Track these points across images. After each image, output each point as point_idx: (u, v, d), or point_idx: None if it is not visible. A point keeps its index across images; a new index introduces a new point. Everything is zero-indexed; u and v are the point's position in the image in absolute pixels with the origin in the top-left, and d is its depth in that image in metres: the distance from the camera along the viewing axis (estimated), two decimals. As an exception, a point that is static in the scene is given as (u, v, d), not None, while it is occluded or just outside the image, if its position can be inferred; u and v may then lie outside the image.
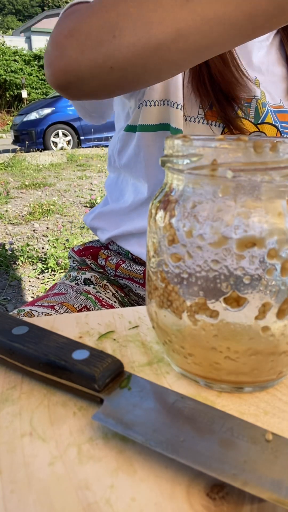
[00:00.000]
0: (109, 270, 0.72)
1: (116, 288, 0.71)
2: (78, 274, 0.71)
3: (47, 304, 0.58)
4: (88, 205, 3.90)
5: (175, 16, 0.37)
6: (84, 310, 0.60)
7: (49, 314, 0.55)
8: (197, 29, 0.37)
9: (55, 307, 0.58)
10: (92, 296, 0.64)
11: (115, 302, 0.68)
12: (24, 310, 0.56)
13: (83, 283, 0.69)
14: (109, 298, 0.67)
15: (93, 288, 0.67)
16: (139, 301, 0.71)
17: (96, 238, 0.79)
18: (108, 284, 0.70)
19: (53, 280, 2.31)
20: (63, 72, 0.42)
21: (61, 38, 0.42)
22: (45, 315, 0.55)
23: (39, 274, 2.38)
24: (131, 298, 0.72)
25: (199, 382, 0.30)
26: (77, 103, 0.69)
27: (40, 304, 0.58)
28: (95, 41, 0.40)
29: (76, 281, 0.70)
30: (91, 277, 0.70)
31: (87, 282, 0.69)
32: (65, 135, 8.41)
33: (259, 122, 0.61)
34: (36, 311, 0.55)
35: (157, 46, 0.39)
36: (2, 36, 20.68)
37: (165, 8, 0.37)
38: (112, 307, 0.65)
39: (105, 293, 0.68)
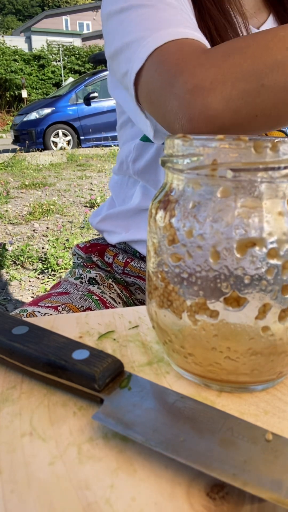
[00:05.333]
0: (116, 268, 0.72)
1: (121, 287, 0.71)
2: (84, 272, 0.71)
3: (50, 305, 0.58)
4: (88, 205, 3.90)
5: None
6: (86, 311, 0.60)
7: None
8: None
9: (58, 308, 0.57)
10: (96, 297, 0.64)
11: (119, 303, 0.68)
12: (27, 311, 0.55)
13: (87, 282, 0.69)
14: (114, 299, 0.67)
15: (98, 288, 0.67)
16: None
17: (100, 236, 0.79)
18: (113, 283, 0.70)
19: (53, 280, 2.31)
20: (206, 124, 0.40)
21: (203, 91, 0.40)
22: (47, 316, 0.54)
23: (39, 274, 2.38)
24: (136, 297, 0.72)
25: (199, 382, 0.30)
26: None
27: (43, 305, 0.58)
28: (241, 92, 0.39)
29: (81, 280, 0.69)
30: (96, 276, 0.70)
31: (91, 281, 0.69)
32: (65, 135, 8.41)
33: None
34: (39, 312, 0.55)
35: None
36: (2, 36, 20.69)
37: None
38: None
39: (110, 293, 0.68)
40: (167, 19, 0.47)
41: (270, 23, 0.67)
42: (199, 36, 0.47)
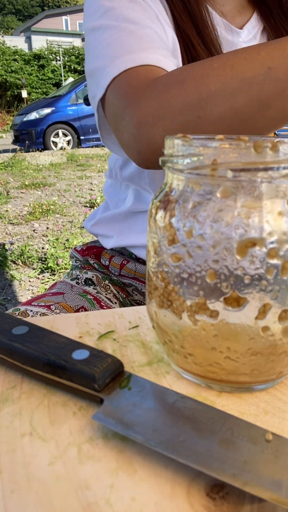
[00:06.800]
0: (113, 270, 0.72)
1: (118, 288, 0.71)
2: (80, 273, 0.71)
3: (43, 304, 0.58)
4: (88, 205, 3.90)
5: (259, 87, 0.39)
6: (82, 311, 0.60)
7: (45, 314, 0.55)
8: (282, 95, 0.39)
9: (51, 307, 0.58)
10: (91, 297, 0.64)
11: (115, 303, 0.68)
12: (20, 310, 0.56)
13: (83, 283, 0.69)
14: (110, 299, 0.67)
15: (93, 288, 0.67)
16: (144, 300, 0.71)
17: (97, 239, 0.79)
18: (110, 284, 0.70)
19: (53, 280, 2.31)
20: (153, 155, 0.43)
21: (147, 126, 0.42)
22: (40, 314, 0.55)
23: (39, 274, 2.38)
24: (133, 299, 0.72)
25: (199, 382, 0.30)
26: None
27: (36, 304, 0.58)
28: (180, 124, 0.41)
29: (77, 280, 0.70)
30: (93, 277, 0.70)
31: (88, 282, 0.69)
32: (65, 135, 8.41)
33: None
34: (31, 310, 0.55)
35: (242, 119, 0.40)
36: (2, 36, 20.70)
37: (247, 79, 0.39)
38: (110, 308, 0.65)
39: (106, 294, 0.68)
40: (127, 44, 0.50)
41: (253, 21, 0.67)
42: (155, 57, 0.49)
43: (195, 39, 0.58)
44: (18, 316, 0.53)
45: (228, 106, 0.40)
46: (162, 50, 0.51)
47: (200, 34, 0.58)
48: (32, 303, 0.59)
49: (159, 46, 0.51)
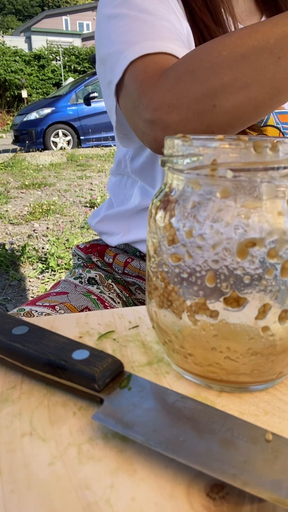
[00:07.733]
0: (116, 268, 0.72)
1: (121, 287, 0.71)
2: (83, 272, 0.71)
3: (48, 304, 0.58)
4: (88, 205, 3.90)
5: (271, 75, 0.40)
6: (86, 311, 0.60)
7: (49, 315, 0.55)
8: None
9: (56, 307, 0.57)
10: (95, 297, 0.64)
11: (118, 303, 0.68)
12: (24, 310, 0.56)
13: (87, 282, 0.69)
14: (113, 299, 0.67)
15: (97, 288, 0.67)
16: None
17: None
18: (113, 283, 0.70)
19: (53, 280, 2.31)
20: None
21: (162, 114, 0.44)
22: (45, 315, 0.55)
23: (39, 274, 2.38)
24: (136, 297, 0.72)
25: (199, 382, 0.30)
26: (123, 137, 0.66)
27: (41, 304, 0.58)
28: (196, 113, 0.42)
29: (80, 279, 0.70)
30: (96, 276, 0.70)
31: (91, 281, 0.69)
32: (65, 135, 8.41)
33: (262, 125, 0.61)
34: (36, 311, 0.55)
35: (256, 106, 0.42)
36: (2, 36, 20.68)
37: (259, 70, 0.41)
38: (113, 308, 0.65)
39: (109, 293, 0.68)
40: (144, 32, 0.51)
41: None
42: (172, 47, 0.50)
43: (215, 28, 0.58)
44: (23, 317, 0.53)
45: (242, 94, 0.41)
46: (179, 42, 0.52)
47: (218, 24, 0.59)
48: (37, 303, 0.59)
49: (175, 38, 0.52)
